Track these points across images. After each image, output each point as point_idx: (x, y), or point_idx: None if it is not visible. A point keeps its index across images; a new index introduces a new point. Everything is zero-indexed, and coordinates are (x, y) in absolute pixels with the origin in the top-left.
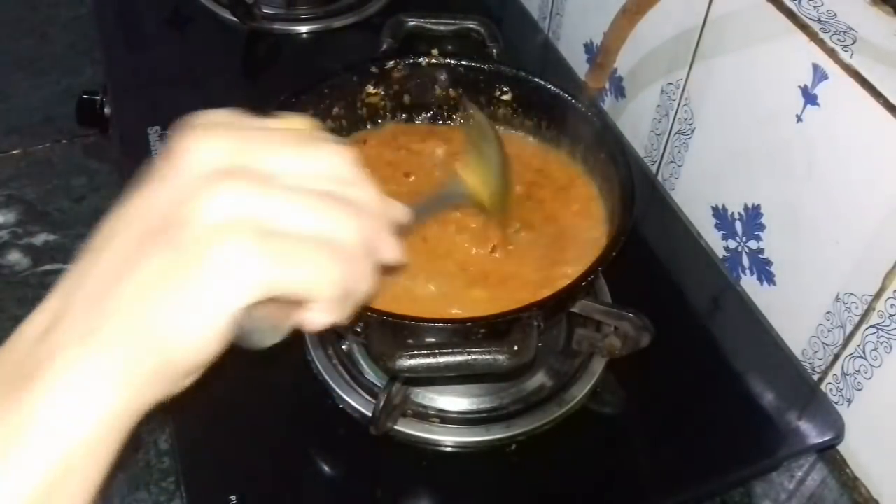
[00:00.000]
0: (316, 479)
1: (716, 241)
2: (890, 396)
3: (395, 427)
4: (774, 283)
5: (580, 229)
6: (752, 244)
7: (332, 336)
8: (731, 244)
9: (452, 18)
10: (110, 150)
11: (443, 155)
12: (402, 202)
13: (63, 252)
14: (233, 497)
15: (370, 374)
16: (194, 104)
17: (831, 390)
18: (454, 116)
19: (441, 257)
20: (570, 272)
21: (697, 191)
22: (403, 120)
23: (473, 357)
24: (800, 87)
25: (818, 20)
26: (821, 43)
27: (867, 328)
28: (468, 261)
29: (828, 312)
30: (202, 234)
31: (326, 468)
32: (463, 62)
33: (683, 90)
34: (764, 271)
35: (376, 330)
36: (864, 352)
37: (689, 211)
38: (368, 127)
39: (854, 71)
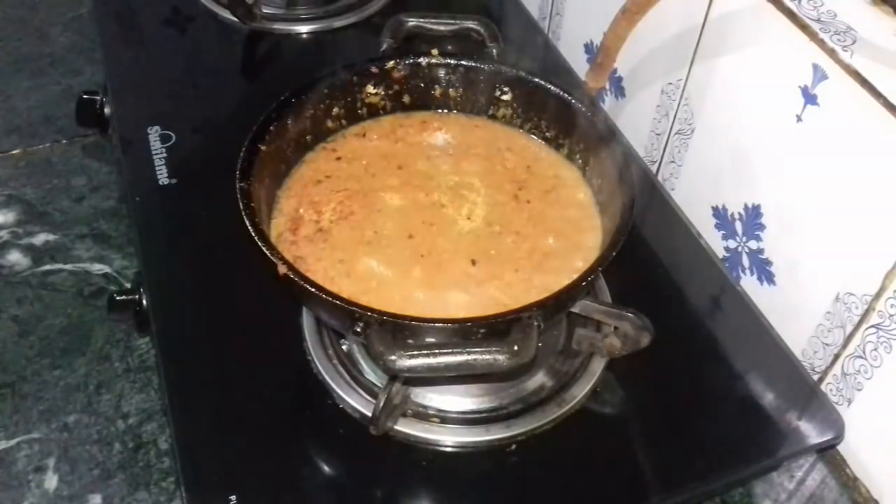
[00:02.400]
0: (316, 479)
1: (716, 241)
2: (890, 396)
3: (395, 427)
4: (774, 283)
5: (568, 233)
6: (752, 244)
7: (332, 336)
8: (731, 244)
9: (452, 18)
10: (110, 150)
11: (439, 144)
12: (392, 193)
13: (63, 252)
14: (233, 497)
15: (370, 374)
16: (194, 104)
17: (831, 390)
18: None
19: (424, 256)
20: (554, 278)
21: (697, 191)
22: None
23: (473, 357)
24: (800, 87)
25: (818, 20)
26: (821, 43)
27: (867, 328)
28: (449, 264)
29: (828, 312)
30: None
31: (326, 468)
32: (463, 62)
33: (683, 90)
34: (764, 271)
35: (376, 330)
36: (864, 352)
37: (689, 211)
38: (368, 121)
39: (854, 71)
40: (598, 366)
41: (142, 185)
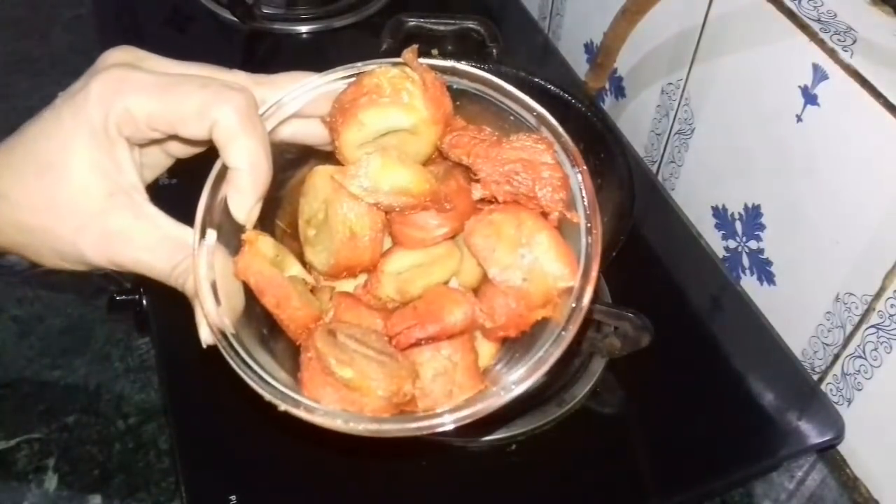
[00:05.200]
0: (316, 479)
1: (716, 241)
2: (890, 396)
3: None
4: (774, 283)
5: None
6: (752, 244)
7: None
8: (731, 244)
9: (452, 18)
10: None
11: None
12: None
13: None
14: (233, 497)
15: None
16: None
17: (831, 390)
18: None
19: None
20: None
21: (697, 191)
22: None
23: None
24: (800, 87)
25: (818, 20)
26: (821, 43)
27: (867, 328)
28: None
29: (828, 312)
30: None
31: (326, 468)
32: (463, 62)
33: (683, 90)
34: (764, 271)
35: None
36: (864, 352)
37: (689, 211)
38: None
39: (854, 71)
40: (598, 366)
41: None
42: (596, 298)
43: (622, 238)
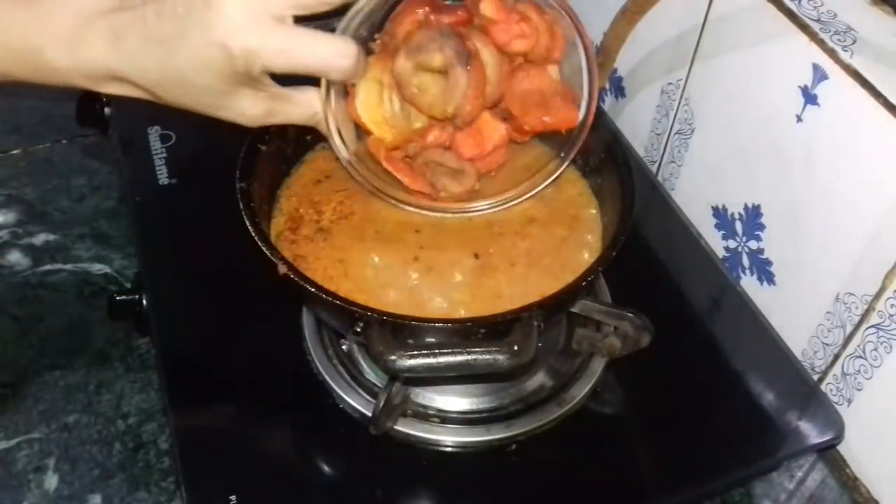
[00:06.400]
0: (316, 479)
1: (716, 241)
2: (890, 396)
3: (395, 427)
4: (774, 283)
5: (568, 232)
6: (752, 244)
7: (332, 336)
8: (731, 244)
9: None
10: (110, 150)
11: None
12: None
13: (63, 252)
14: (233, 497)
15: (370, 374)
16: None
17: (831, 390)
18: None
19: (423, 257)
20: (554, 277)
21: (697, 191)
22: None
23: (473, 357)
24: (800, 87)
25: (818, 20)
26: (821, 43)
27: (867, 328)
28: (449, 264)
29: (828, 312)
30: None
31: (326, 468)
32: None
33: (683, 90)
34: (764, 271)
35: (376, 330)
36: (864, 352)
37: (689, 211)
38: None
39: (854, 71)
40: (598, 366)
41: (142, 185)
42: (596, 298)
43: (622, 238)
